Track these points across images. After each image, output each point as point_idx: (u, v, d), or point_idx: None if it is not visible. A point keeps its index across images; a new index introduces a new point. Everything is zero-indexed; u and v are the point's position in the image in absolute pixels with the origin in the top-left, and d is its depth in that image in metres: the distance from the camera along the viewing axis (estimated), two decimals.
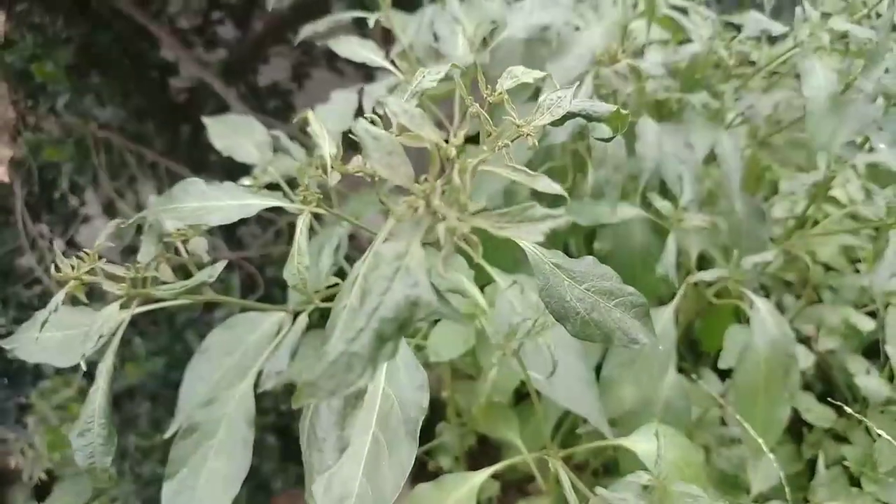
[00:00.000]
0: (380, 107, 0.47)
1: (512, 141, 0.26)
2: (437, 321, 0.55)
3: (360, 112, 0.48)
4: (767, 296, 0.74)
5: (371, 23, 0.56)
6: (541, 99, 0.26)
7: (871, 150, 0.48)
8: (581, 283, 0.27)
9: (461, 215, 0.18)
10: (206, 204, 0.35)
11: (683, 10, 0.56)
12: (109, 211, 1.95)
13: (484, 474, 0.40)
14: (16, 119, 1.16)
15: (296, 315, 0.44)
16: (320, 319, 0.36)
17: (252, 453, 0.40)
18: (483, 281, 0.47)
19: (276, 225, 1.81)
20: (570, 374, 0.43)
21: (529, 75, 0.27)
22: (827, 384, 0.77)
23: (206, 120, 0.54)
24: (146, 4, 1.68)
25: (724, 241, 0.51)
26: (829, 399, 0.76)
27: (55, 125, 1.76)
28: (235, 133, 0.52)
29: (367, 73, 1.34)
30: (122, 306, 0.36)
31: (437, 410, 0.73)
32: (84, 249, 0.39)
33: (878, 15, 0.54)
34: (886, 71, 0.50)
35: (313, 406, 0.21)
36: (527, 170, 0.21)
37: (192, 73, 1.85)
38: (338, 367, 0.16)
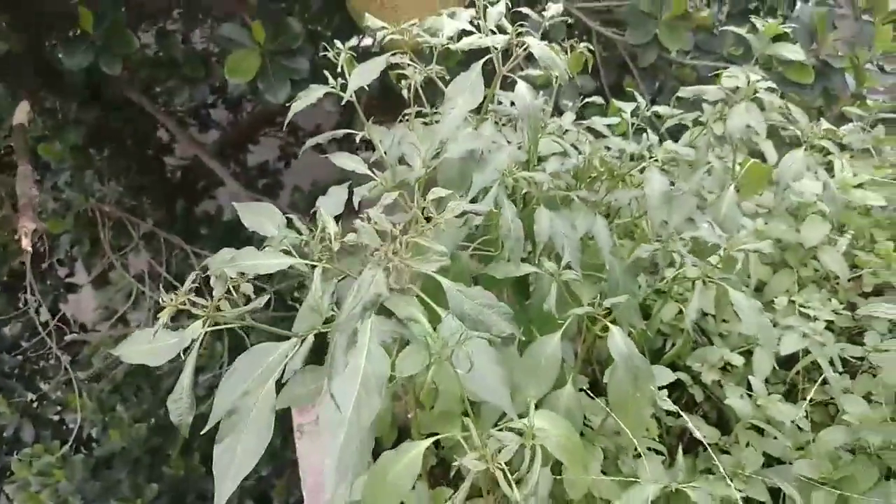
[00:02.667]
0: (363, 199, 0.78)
1: (434, 226, 0.56)
2: (403, 346, 0.83)
3: (349, 203, 0.78)
4: (665, 340, 1.03)
5: (357, 139, 0.88)
6: (449, 204, 0.57)
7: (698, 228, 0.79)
8: (473, 299, 0.57)
9: (401, 260, 0.48)
10: (258, 262, 0.65)
11: (583, 130, 0.89)
12: (101, 280, 2.23)
13: (427, 442, 0.67)
14: (38, 195, 1.46)
15: (303, 340, 0.72)
16: (323, 341, 0.63)
17: None
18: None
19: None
20: (489, 376, 0.71)
21: (443, 192, 0.57)
22: (720, 411, 1.05)
23: (237, 205, 0.84)
24: (148, 90, 2.02)
25: (605, 291, 0.81)
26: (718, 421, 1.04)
27: (55, 200, 2.06)
28: (260, 215, 0.81)
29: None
30: (203, 324, 0.64)
31: (405, 432, 1.00)
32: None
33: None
34: (707, 173, 0.82)
35: (332, 342, 0.49)
36: (428, 257, 0.51)
37: (188, 152, 2.19)
38: (345, 320, 0.45)
